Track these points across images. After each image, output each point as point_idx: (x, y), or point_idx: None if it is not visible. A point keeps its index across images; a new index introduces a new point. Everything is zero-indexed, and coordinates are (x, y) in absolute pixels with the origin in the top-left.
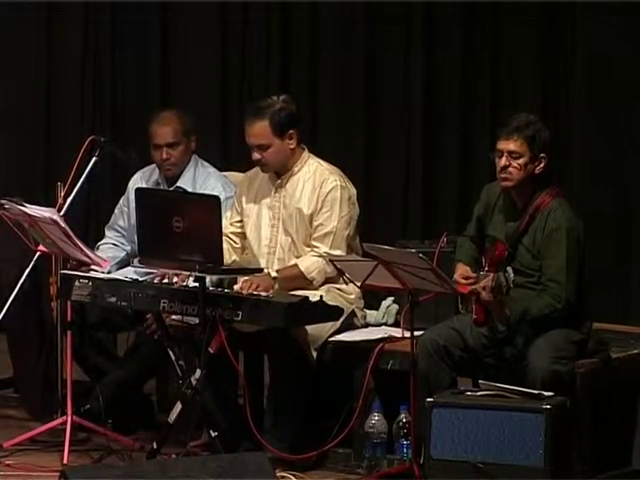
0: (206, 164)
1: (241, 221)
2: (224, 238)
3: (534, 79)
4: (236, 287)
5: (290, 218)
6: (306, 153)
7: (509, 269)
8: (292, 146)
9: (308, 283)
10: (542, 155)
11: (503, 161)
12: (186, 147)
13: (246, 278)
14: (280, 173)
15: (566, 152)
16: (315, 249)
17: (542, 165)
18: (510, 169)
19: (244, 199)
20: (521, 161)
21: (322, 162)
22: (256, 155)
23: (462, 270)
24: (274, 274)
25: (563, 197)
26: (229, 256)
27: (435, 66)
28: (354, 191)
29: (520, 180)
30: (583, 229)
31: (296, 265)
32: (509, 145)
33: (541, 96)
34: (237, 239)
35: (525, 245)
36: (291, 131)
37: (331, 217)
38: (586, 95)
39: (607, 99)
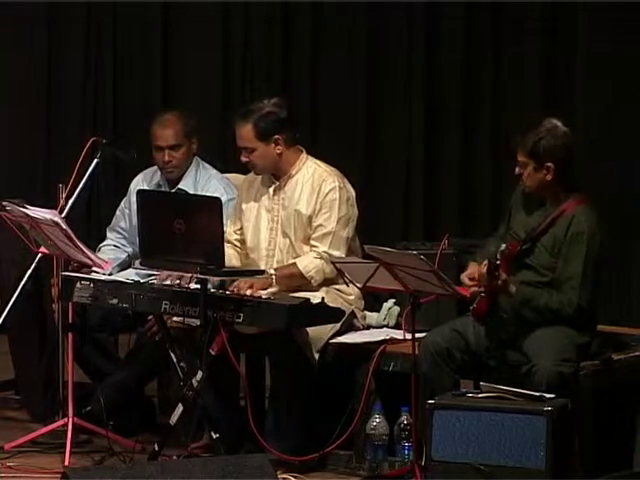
0: (208, 166)
1: (242, 227)
2: (230, 245)
3: (536, 79)
4: (234, 285)
5: (288, 220)
6: (304, 155)
7: (503, 245)
8: (279, 151)
9: (306, 282)
10: (548, 164)
11: (516, 170)
12: (188, 149)
13: (241, 279)
14: (278, 176)
15: None
16: (314, 249)
17: (550, 174)
18: (523, 177)
19: (244, 203)
20: (528, 170)
21: (320, 163)
22: (243, 157)
23: (470, 269)
24: (271, 272)
25: (589, 204)
26: (237, 261)
27: (437, 66)
28: (353, 192)
29: (535, 186)
30: (606, 237)
31: (294, 264)
32: (518, 156)
33: (543, 96)
34: (242, 245)
35: (544, 244)
36: (277, 136)
37: (330, 218)
38: (587, 94)
39: (608, 98)
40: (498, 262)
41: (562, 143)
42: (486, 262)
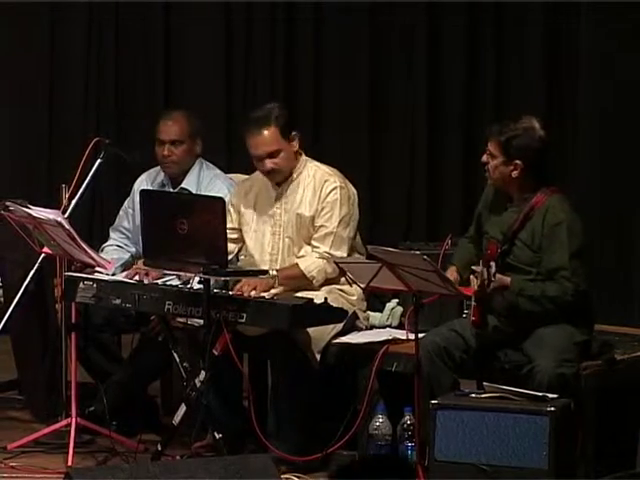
0: (211, 166)
1: (237, 229)
2: None
3: (538, 80)
4: (236, 287)
5: (290, 224)
6: (304, 157)
7: (492, 263)
8: (295, 148)
9: (308, 283)
10: (517, 162)
11: (484, 156)
12: (189, 148)
13: (245, 279)
14: (280, 182)
15: (570, 152)
16: (316, 249)
17: (517, 171)
18: (488, 166)
19: (241, 210)
20: (495, 162)
21: (320, 165)
22: (267, 165)
23: (450, 274)
24: (274, 273)
25: (561, 194)
26: None
27: (439, 67)
28: (354, 192)
29: (499, 179)
30: (583, 225)
31: (296, 265)
32: (488, 144)
33: (545, 96)
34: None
35: (522, 241)
36: (294, 133)
37: (331, 218)
38: (590, 96)
39: (611, 99)
40: (489, 282)
41: (536, 146)
42: (475, 276)
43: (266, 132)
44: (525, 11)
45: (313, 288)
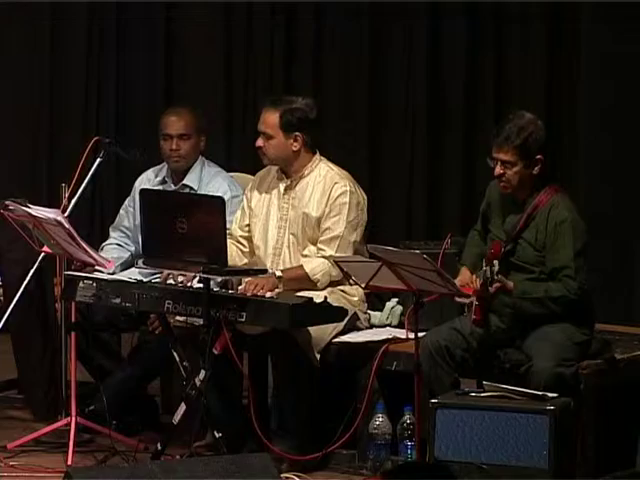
0: (212, 164)
1: (249, 224)
2: (234, 242)
3: (539, 79)
4: (240, 288)
5: (296, 221)
6: (317, 157)
7: (495, 262)
8: (295, 148)
9: (312, 285)
10: (538, 157)
11: (497, 169)
12: (196, 143)
13: (250, 279)
14: (289, 174)
15: (570, 152)
16: (321, 252)
17: (539, 166)
18: (506, 176)
19: (254, 199)
20: (515, 169)
21: (333, 167)
22: (259, 142)
23: (462, 276)
24: (279, 274)
25: (563, 193)
26: (239, 260)
27: (439, 66)
28: (364, 196)
29: (519, 183)
30: (585, 225)
31: (301, 266)
32: (501, 155)
33: (546, 96)
34: (246, 242)
35: (526, 240)
36: (297, 133)
37: (339, 222)
38: (591, 94)
39: (612, 98)
40: (492, 280)
41: (544, 135)
42: (477, 276)
43: (269, 113)
44: (526, 11)
45: (315, 288)
